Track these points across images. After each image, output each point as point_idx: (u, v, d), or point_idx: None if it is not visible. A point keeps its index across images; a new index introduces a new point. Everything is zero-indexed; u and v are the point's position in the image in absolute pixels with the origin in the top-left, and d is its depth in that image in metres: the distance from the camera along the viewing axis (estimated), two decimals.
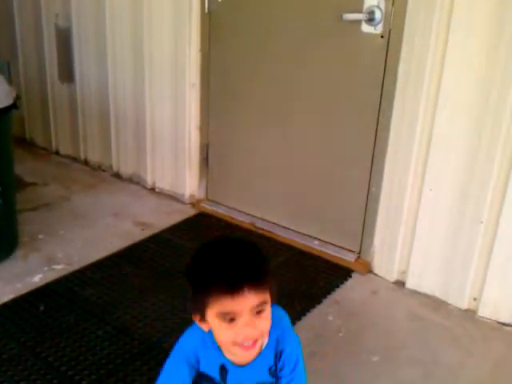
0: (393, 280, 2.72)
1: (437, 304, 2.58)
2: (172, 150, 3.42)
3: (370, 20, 2.45)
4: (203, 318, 1.23)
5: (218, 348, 1.29)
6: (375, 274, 2.78)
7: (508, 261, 2.38)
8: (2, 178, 2.66)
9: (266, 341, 1.30)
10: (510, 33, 2.13)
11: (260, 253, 1.25)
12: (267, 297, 1.20)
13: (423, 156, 2.47)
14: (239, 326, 1.17)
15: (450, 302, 2.57)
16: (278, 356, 1.33)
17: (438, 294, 2.60)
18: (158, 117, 3.44)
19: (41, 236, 3.01)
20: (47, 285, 2.56)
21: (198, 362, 1.33)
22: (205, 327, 1.26)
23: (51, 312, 2.37)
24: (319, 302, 2.55)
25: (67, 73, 3.85)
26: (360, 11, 2.46)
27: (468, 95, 2.28)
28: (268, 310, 1.21)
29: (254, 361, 1.30)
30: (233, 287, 1.14)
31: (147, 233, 3.08)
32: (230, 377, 1.31)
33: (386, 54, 2.47)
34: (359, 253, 2.84)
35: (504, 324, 2.45)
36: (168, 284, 2.57)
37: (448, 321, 2.47)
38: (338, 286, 2.67)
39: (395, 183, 2.59)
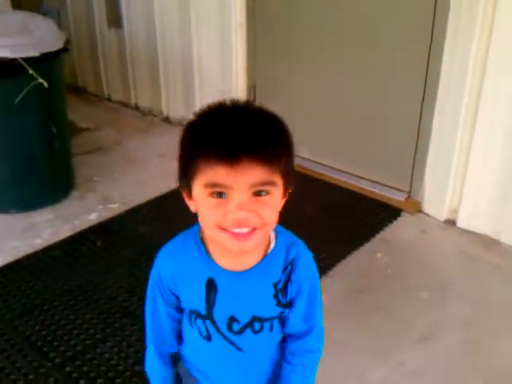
0: (443, 219, 2.69)
1: (489, 243, 2.54)
2: (220, 92, 3.42)
3: None
4: (190, 193, 0.96)
5: (206, 253, 1.01)
6: (425, 214, 2.75)
7: None
8: (57, 120, 2.75)
9: (272, 245, 1.01)
10: None
11: (278, 121, 0.95)
12: (276, 178, 0.90)
13: (477, 84, 2.38)
14: (230, 204, 0.88)
15: (502, 240, 2.52)
16: (288, 273, 1.02)
17: (490, 232, 2.56)
18: (205, 59, 3.44)
19: (96, 178, 3.12)
20: (103, 222, 2.68)
21: (176, 296, 1.06)
22: (192, 206, 0.98)
23: (108, 247, 2.48)
24: (367, 240, 2.55)
25: (115, 17, 3.87)
26: None
27: None
28: (276, 195, 0.91)
29: (254, 267, 1.00)
30: (228, 153, 0.86)
31: None
32: (219, 298, 1.01)
33: None
34: (409, 192, 2.81)
35: None
36: None
37: (500, 260, 2.43)
38: (386, 225, 2.66)
39: (447, 119, 2.52)
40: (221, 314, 1.03)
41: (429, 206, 2.73)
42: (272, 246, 1.02)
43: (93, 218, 2.72)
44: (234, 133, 0.88)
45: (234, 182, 0.87)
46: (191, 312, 1.05)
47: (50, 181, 2.82)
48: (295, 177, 0.99)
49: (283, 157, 0.92)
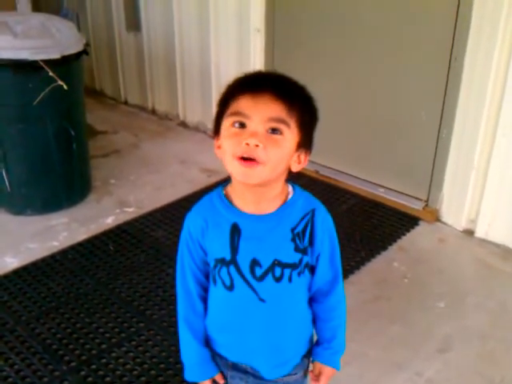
0: (461, 228, 2.66)
1: (507, 253, 2.50)
2: None
3: None
4: (219, 135, 1.08)
5: (229, 203, 1.12)
6: (443, 223, 2.72)
7: None
8: (75, 123, 2.76)
9: (290, 195, 1.13)
10: None
11: (304, 89, 1.11)
12: (292, 121, 1.02)
13: (497, 99, 2.36)
14: (246, 133, 1.00)
15: None
16: (309, 220, 1.12)
17: (508, 243, 2.52)
18: (222, 64, 3.44)
19: (112, 181, 3.13)
20: (119, 226, 2.68)
21: (203, 250, 1.16)
22: (219, 154, 1.09)
23: (123, 251, 2.48)
24: (384, 248, 2.53)
25: (133, 21, 3.89)
26: None
27: None
28: (288, 138, 1.02)
29: (273, 212, 1.11)
30: (256, 86, 1.01)
31: (213, 179, 3.12)
32: (242, 241, 1.10)
33: None
34: (427, 201, 2.78)
35: None
36: None
37: None
38: (403, 234, 2.64)
39: (467, 128, 2.49)
40: (244, 257, 1.11)
41: (447, 215, 2.71)
42: (290, 196, 1.13)
43: (109, 221, 2.72)
44: (261, 77, 1.07)
45: (253, 112, 0.99)
46: (217, 262, 1.12)
47: (66, 183, 2.82)
48: (311, 148, 1.10)
49: (302, 109, 1.04)
